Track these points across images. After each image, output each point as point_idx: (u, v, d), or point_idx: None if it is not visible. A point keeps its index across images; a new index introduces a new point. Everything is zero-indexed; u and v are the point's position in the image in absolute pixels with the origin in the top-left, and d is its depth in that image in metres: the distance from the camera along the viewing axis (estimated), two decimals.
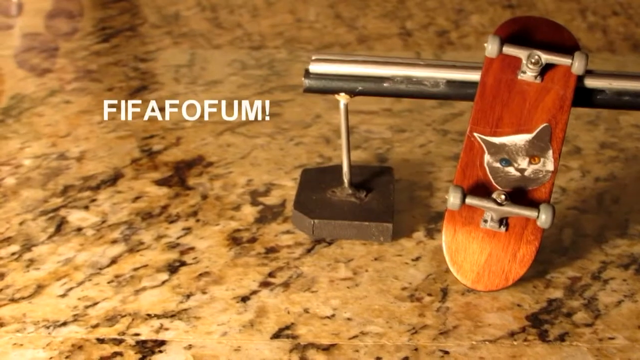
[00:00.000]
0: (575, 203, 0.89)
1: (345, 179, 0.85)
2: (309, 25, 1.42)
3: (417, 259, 0.80)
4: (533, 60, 0.78)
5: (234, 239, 0.82)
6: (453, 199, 0.74)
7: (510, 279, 0.75)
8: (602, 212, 0.87)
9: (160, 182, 0.91)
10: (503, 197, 0.74)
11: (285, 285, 0.76)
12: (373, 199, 0.85)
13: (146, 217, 0.85)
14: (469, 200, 0.75)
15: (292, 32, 1.37)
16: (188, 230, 0.83)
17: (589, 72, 0.81)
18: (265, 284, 0.76)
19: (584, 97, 0.81)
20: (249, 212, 0.86)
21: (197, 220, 0.85)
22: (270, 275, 0.77)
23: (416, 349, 0.69)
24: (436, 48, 1.35)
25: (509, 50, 0.79)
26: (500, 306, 0.74)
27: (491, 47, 0.79)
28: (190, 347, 0.69)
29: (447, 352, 0.69)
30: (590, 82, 0.81)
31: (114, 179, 0.92)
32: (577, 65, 0.78)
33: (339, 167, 0.88)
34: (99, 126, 1.02)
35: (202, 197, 0.88)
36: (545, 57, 0.78)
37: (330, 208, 0.83)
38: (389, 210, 0.83)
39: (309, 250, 0.81)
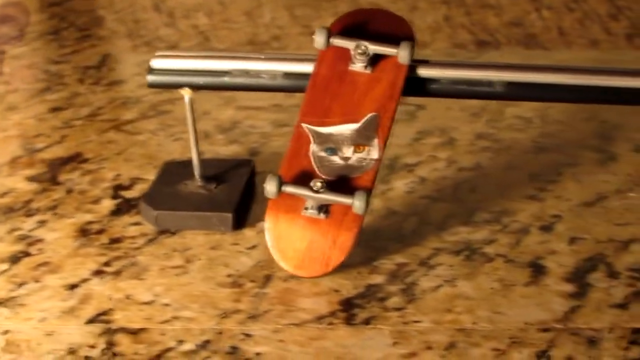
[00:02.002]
0: (430, 192, 0.90)
1: (196, 171, 0.87)
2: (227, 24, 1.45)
3: (253, 247, 0.81)
4: (360, 51, 0.80)
5: (83, 231, 0.85)
6: (269, 187, 0.76)
7: (331, 265, 0.77)
8: (453, 201, 0.88)
9: (32, 179, 0.94)
10: (319, 184, 0.76)
11: (117, 273, 0.78)
12: (222, 190, 0.87)
13: (7, 212, 0.88)
14: (286, 189, 0.76)
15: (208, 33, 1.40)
16: (42, 223, 0.86)
17: (424, 62, 0.82)
18: (97, 273, 0.79)
19: (417, 86, 0.82)
20: (106, 205, 0.89)
21: (55, 214, 0.87)
22: (106, 264, 0.80)
23: (220, 333, 0.71)
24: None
25: (337, 41, 0.80)
26: (318, 291, 0.76)
27: (318, 39, 0.80)
28: (6, 332, 0.72)
29: (249, 335, 0.71)
30: (424, 72, 0.82)
31: None
32: (402, 54, 0.79)
33: (202, 161, 0.90)
34: None
35: (67, 192, 0.91)
36: (373, 48, 0.80)
37: (177, 200, 0.86)
38: (233, 201, 0.85)
39: (151, 241, 0.83)
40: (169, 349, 0.69)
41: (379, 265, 0.79)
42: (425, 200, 0.88)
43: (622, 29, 1.44)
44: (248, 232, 0.84)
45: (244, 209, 0.86)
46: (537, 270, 0.78)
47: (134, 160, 0.97)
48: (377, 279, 0.77)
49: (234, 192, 0.86)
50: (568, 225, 0.84)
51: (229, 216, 0.83)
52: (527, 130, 1.02)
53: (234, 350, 0.69)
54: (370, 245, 0.81)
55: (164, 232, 0.84)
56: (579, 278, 0.77)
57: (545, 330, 0.71)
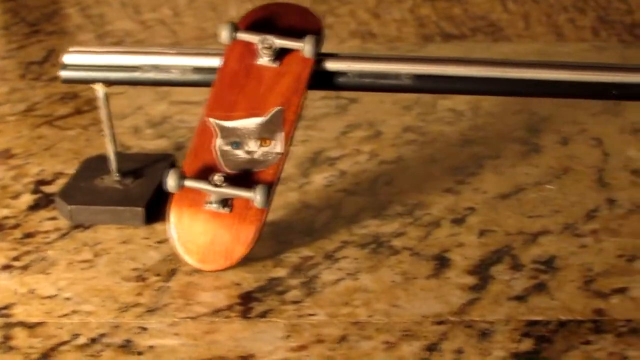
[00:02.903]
0: (347, 186, 0.90)
1: (112, 166, 0.88)
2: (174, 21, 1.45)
3: (163, 241, 0.82)
4: (266, 45, 0.80)
5: None
6: (169, 181, 0.76)
7: (234, 258, 0.77)
8: (369, 195, 0.88)
9: None
10: (221, 179, 0.76)
11: (24, 268, 0.79)
12: (139, 185, 0.87)
13: None
14: (188, 183, 0.77)
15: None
16: None
17: (331, 55, 0.82)
18: (6, 267, 0.79)
19: (325, 79, 0.82)
20: (25, 200, 0.89)
21: None
22: (15, 259, 0.80)
23: (117, 326, 0.71)
24: (359, 40, 1.36)
25: (242, 36, 0.81)
26: (220, 285, 0.76)
27: (223, 34, 0.81)
28: None
29: (145, 329, 0.71)
30: (331, 65, 0.82)
31: None
32: (307, 48, 0.79)
33: (121, 155, 0.90)
34: None
35: None
36: (278, 42, 0.80)
37: (91, 194, 0.86)
38: (146, 196, 0.85)
39: (64, 235, 0.84)
40: (63, 343, 0.70)
41: (284, 259, 0.79)
42: (341, 193, 0.89)
43: (589, 21, 1.44)
44: (160, 227, 0.84)
45: (159, 204, 0.86)
46: (441, 263, 0.78)
47: (61, 156, 0.97)
48: (280, 272, 0.77)
49: (149, 187, 0.86)
50: (480, 218, 0.84)
51: (140, 210, 0.83)
52: (457, 123, 1.02)
53: (127, 343, 0.70)
54: (279, 238, 0.82)
55: (78, 226, 0.84)
56: (482, 270, 0.77)
57: (440, 323, 0.71)
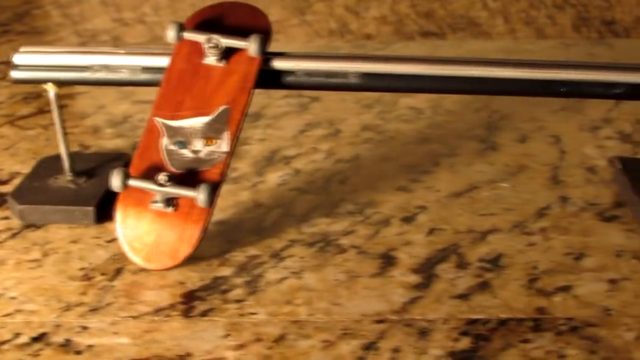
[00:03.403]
0: (301, 184, 0.90)
1: (65, 166, 0.88)
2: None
3: (112, 240, 0.82)
4: (212, 45, 0.80)
5: None
6: (114, 181, 0.77)
7: (179, 257, 0.77)
8: (321, 193, 0.88)
9: None
10: (165, 178, 0.76)
11: None
12: (91, 184, 0.87)
13: None
14: (132, 182, 0.77)
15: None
16: None
17: (279, 54, 0.82)
18: None
19: (272, 78, 0.82)
20: None
21: None
22: None
23: (59, 325, 0.72)
24: (337, 38, 1.36)
25: (189, 35, 0.81)
26: (164, 284, 0.76)
27: (169, 34, 0.81)
28: None
29: (86, 328, 0.71)
30: (279, 64, 0.82)
31: None
32: (252, 47, 0.79)
33: (76, 155, 0.91)
34: None
35: None
36: (224, 41, 0.80)
37: (43, 194, 0.86)
38: (97, 195, 0.85)
39: (14, 235, 0.84)
40: (4, 342, 0.70)
41: (231, 258, 0.79)
42: (294, 192, 0.89)
43: (569, 18, 1.44)
44: (112, 226, 0.84)
45: (111, 203, 0.86)
46: (387, 261, 0.78)
47: (20, 155, 0.97)
48: (226, 271, 0.77)
49: (102, 186, 0.87)
50: (430, 217, 0.84)
51: (90, 210, 0.84)
52: (416, 121, 1.02)
53: (67, 342, 0.70)
54: (228, 237, 0.82)
55: (30, 226, 0.85)
56: (427, 269, 0.77)
57: (380, 321, 0.71)
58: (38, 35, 1.32)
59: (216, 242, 0.81)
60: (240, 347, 0.69)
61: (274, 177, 0.91)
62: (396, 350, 0.68)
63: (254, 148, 0.96)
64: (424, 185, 0.89)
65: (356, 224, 0.83)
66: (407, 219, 0.84)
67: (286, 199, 0.88)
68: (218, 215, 0.85)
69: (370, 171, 0.92)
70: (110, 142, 0.99)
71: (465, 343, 0.69)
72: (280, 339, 0.69)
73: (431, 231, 0.82)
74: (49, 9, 1.53)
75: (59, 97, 0.85)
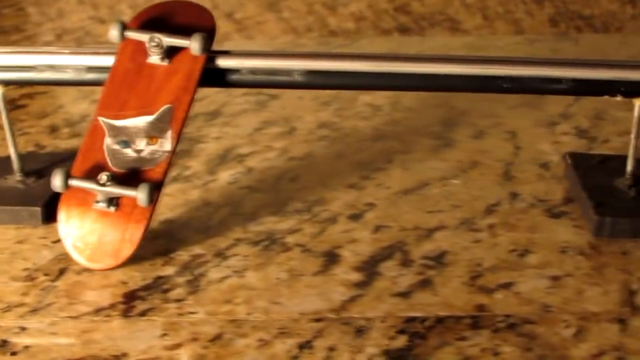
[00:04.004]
0: (251, 183, 0.90)
1: (14, 166, 0.88)
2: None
3: (58, 241, 0.82)
4: (154, 44, 0.80)
5: None
6: (55, 181, 0.77)
7: (121, 257, 0.77)
8: (271, 191, 0.88)
9: None
10: (105, 178, 0.76)
11: None
12: (41, 184, 0.87)
13: None
14: (73, 182, 0.77)
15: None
16: None
17: (223, 53, 0.82)
18: None
19: (217, 77, 0.82)
20: None
21: None
22: None
23: None
24: (317, 34, 1.36)
25: (132, 34, 0.81)
26: (107, 284, 0.76)
27: (112, 33, 0.81)
28: None
29: (24, 328, 0.71)
30: (223, 63, 0.82)
31: None
32: (194, 46, 0.79)
33: (27, 155, 0.91)
34: None
35: None
36: (167, 40, 0.80)
37: None
38: (45, 195, 0.85)
39: None
40: None
41: (175, 257, 0.79)
42: (244, 190, 0.89)
43: (547, 14, 1.44)
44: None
45: None
46: (330, 259, 0.78)
47: None
48: (169, 270, 0.77)
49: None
50: (378, 214, 0.84)
51: (37, 210, 0.84)
52: (373, 118, 1.02)
53: (4, 343, 0.70)
54: (174, 236, 0.82)
55: None
56: (370, 267, 0.77)
57: (318, 320, 0.71)
58: (4, 35, 1.33)
59: (162, 242, 0.81)
60: (176, 346, 0.69)
61: (225, 176, 0.91)
62: (331, 349, 0.68)
63: (209, 146, 0.96)
64: (375, 183, 0.89)
65: (303, 222, 0.83)
66: (355, 217, 0.84)
67: (235, 198, 0.88)
68: (166, 214, 0.85)
69: (322, 169, 0.92)
70: (66, 142, 0.99)
71: (401, 341, 0.69)
72: (216, 338, 0.69)
73: (377, 229, 0.82)
74: (23, 6, 1.53)
75: (6, 97, 0.85)
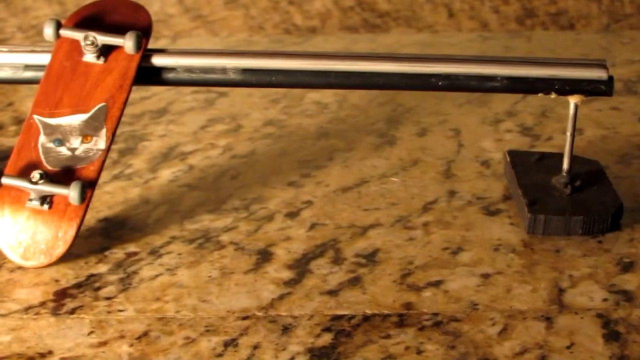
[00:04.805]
0: (192, 181, 0.90)
1: None
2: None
3: None
4: (89, 42, 0.80)
5: None
6: None
7: (55, 255, 0.77)
8: (211, 189, 0.89)
9: None
10: (37, 176, 0.77)
11: None
12: None
13: None
14: (5, 180, 0.77)
15: None
16: None
17: (159, 51, 0.83)
18: None
19: (153, 75, 0.82)
20: None
21: None
22: None
23: None
24: (282, 32, 1.36)
25: (66, 33, 0.81)
26: (39, 282, 0.76)
27: (46, 31, 0.81)
28: None
29: None
30: (159, 61, 0.82)
31: None
32: (127, 44, 0.80)
33: None
34: None
35: None
36: (101, 39, 0.80)
37: None
38: None
39: None
40: None
41: (110, 255, 0.79)
42: (184, 188, 0.89)
43: (513, 11, 1.44)
44: None
45: None
46: (263, 257, 0.78)
47: None
48: (102, 268, 0.78)
49: None
50: (315, 212, 0.85)
51: None
52: (319, 116, 1.03)
53: None
54: (110, 234, 0.82)
55: None
56: (302, 265, 0.77)
57: (245, 318, 0.71)
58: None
59: (97, 240, 0.81)
60: (102, 344, 0.69)
61: (166, 174, 0.91)
62: (256, 347, 0.68)
63: (152, 144, 0.97)
64: (315, 181, 0.90)
65: (239, 220, 0.84)
66: (291, 215, 0.84)
67: (174, 196, 0.88)
68: (104, 212, 0.85)
69: (264, 167, 0.92)
70: (12, 140, 0.99)
71: (326, 339, 0.69)
72: (143, 336, 0.70)
73: (313, 226, 0.83)
74: None
75: None
